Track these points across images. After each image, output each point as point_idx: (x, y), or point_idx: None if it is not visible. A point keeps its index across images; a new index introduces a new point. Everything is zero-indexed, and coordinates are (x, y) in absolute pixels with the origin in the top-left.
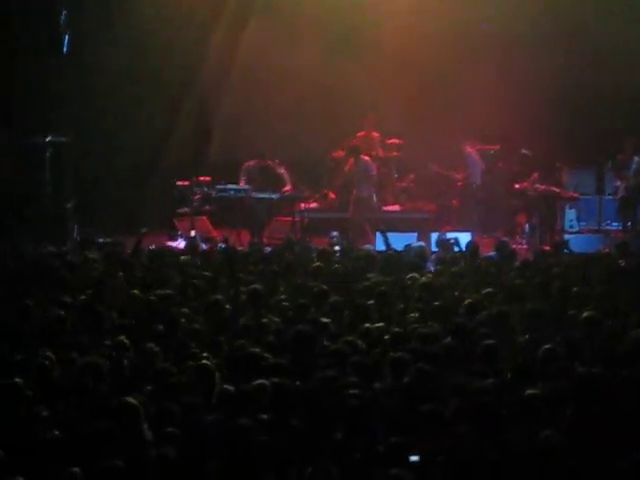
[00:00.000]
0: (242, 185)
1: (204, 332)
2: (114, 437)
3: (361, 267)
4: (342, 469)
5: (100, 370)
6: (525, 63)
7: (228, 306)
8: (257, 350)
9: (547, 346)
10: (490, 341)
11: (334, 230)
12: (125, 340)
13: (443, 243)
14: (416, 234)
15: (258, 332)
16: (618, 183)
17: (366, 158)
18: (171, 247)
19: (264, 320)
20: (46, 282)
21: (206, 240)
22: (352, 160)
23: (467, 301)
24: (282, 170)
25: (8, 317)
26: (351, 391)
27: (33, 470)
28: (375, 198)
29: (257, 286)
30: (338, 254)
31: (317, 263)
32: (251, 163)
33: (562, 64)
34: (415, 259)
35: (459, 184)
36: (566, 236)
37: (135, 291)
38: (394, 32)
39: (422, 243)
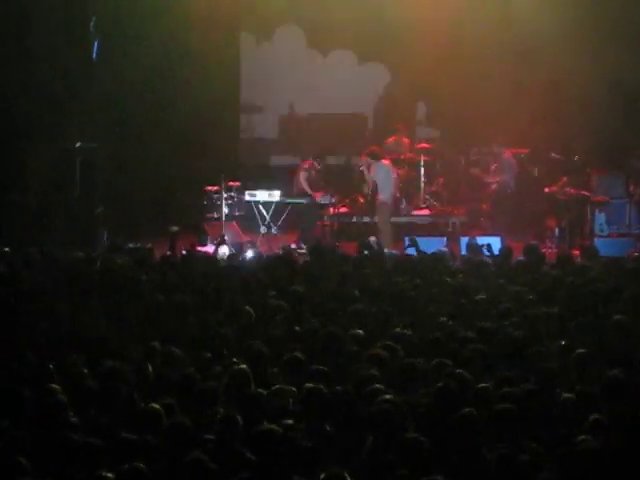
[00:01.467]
0: (303, 186)
1: (232, 338)
2: (147, 445)
3: (388, 272)
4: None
5: (127, 376)
6: (556, 66)
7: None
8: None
9: (580, 350)
10: (521, 344)
11: (371, 235)
12: (154, 345)
13: (473, 247)
14: (445, 238)
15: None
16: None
17: (386, 162)
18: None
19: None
20: (76, 287)
21: (236, 245)
22: (374, 165)
23: (501, 305)
24: (314, 175)
25: (39, 323)
26: (385, 397)
27: (66, 476)
28: (404, 202)
29: (297, 288)
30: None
31: (344, 268)
32: (306, 165)
33: (593, 66)
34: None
35: (493, 188)
36: (596, 240)
37: (161, 296)
38: (427, 37)
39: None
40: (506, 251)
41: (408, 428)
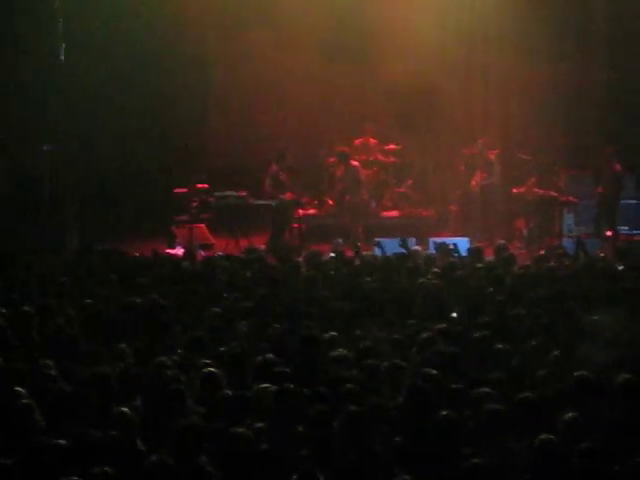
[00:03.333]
0: (268, 190)
1: (206, 340)
2: (111, 446)
3: (358, 273)
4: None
5: (105, 379)
6: (524, 66)
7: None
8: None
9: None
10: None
11: (338, 237)
12: (125, 348)
13: (442, 248)
14: (414, 239)
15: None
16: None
17: (355, 164)
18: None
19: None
20: (46, 290)
21: (204, 247)
22: (342, 167)
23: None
24: (282, 176)
25: (10, 325)
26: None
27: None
28: (374, 203)
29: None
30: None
31: (310, 271)
32: (274, 167)
33: (561, 68)
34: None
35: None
36: (565, 240)
37: (135, 299)
38: (392, 37)
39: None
40: (476, 251)
41: (381, 430)
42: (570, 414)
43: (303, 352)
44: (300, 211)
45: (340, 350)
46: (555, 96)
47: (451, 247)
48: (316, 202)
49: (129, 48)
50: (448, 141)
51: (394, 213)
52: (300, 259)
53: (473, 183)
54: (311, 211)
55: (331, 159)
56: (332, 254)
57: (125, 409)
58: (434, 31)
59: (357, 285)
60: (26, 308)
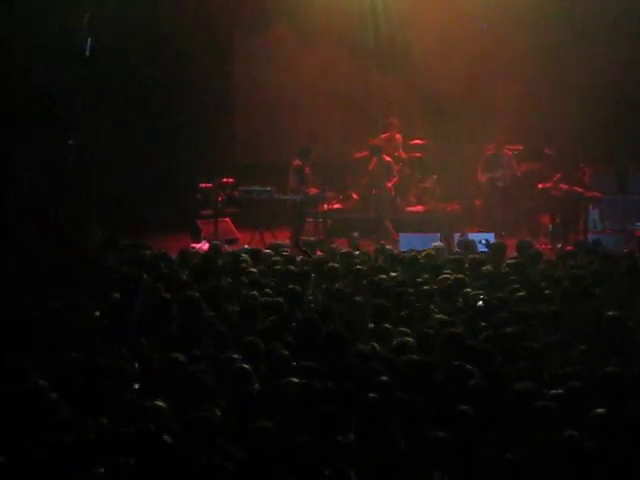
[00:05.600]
0: (293, 184)
1: (231, 335)
2: (139, 440)
3: (381, 267)
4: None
5: (123, 374)
6: (549, 62)
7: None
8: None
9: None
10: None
11: (355, 231)
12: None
13: (465, 244)
14: (439, 235)
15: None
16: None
17: (388, 158)
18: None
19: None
20: (69, 286)
21: (229, 242)
22: (374, 159)
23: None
24: (307, 171)
25: (33, 321)
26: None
27: (56, 473)
28: (399, 199)
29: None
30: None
31: (332, 264)
32: (298, 162)
33: (587, 64)
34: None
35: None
36: (590, 236)
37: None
38: (418, 34)
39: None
40: (498, 247)
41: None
42: (600, 410)
43: (328, 347)
44: (325, 206)
45: (366, 345)
46: (582, 92)
47: (480, 242)
48: (341, 197)
49: (153, 44)
50: (473, 137)
51: (419, 208)
52: (324, 253)
53: (483, 179)
54: (336, 205)
55: (357, 154)
56: (353, 249)
57: (156, 402)
58: (459, 27)
59: (382, 280)
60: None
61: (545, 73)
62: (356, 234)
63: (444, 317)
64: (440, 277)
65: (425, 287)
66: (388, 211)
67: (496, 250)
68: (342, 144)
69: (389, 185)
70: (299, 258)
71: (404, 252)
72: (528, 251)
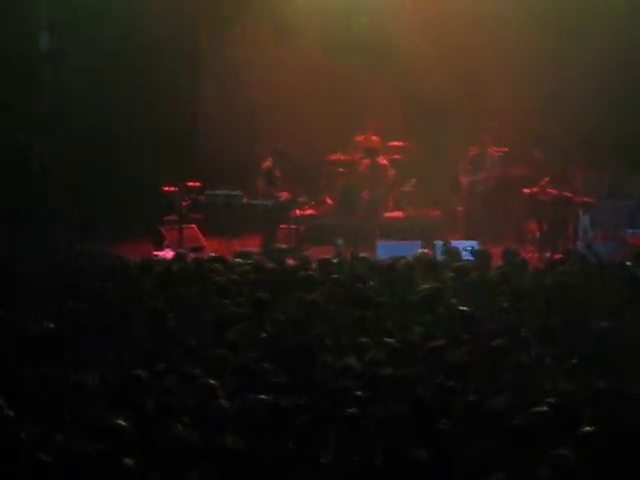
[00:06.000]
0: (262, 188)
1: (199, 346)
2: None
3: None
4: None
5: (82, 390)
6: (538, 63)
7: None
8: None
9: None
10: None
11: (338, 237)
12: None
13: (448, 251)
14: (419, 242)
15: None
16: None
17: (384, 161)
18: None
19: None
20: (37, 293)
21: (195, 249)
22: (367, 162)
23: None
24: (277, 173)
25: None
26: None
27: None
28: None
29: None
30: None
31: (309, 272)
32: (268, 164)
33: (576, 65)
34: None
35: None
36: (579, 243)
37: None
38: (399, 31)
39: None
40: (483, 255)
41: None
42: (588, 427)
43: (300, 361)
44: (297, 211)
45: (341, 359)
46: (572, 92)
47: (459, 250)
48: (314, 202)
49: (118, 40)
50: (456, 139)
51: (397, 214)
52: (296, 262)
53: (464, 182)
54: (309, 211)
55: (332, 156)
56: (336, 256)
57: (116, 421)
58: (444, 24)
59: (359, 290)
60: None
61: (534, 73)
62: (340, 241)
63: (425, 329)
64: (422, 286)
65: (406, 297)
66: (378, 216)
67: (481, 258)
68: (316, 145)
69: (383, 190)
70: (270, 266)
71: (383, 260)
72: (514, 259)
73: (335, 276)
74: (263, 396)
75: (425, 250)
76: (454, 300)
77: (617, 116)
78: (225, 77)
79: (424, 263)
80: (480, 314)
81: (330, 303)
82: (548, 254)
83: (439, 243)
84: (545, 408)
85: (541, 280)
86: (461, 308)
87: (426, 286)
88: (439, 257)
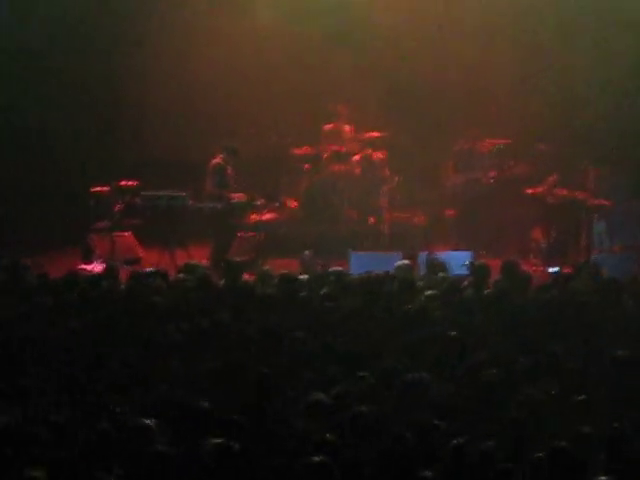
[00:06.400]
0: (211, 189)
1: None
2: None
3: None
4: None
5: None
6: (543, 36)
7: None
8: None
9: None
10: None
11: (305, 248)
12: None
13: (433, 265)
14: (400, 254)
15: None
16: None
17: (380, 155)
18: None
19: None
20: None
21: (130, 262)
22: (357, 157)
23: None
24: (230, 171)
25: None
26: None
27: None
28: (345, 207)
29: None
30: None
31: (269, 291)
32: (218, 160)
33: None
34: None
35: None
36: (595, 255)
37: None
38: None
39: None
40: (481, 269)
41: None
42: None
43: (257, 397)
44: (254, 216)
45: (306, 394)
46: (585, 72)
47: (446, 263)
48: (276, 204)
49: (43, 25)
50: (444, 130)
51: (373, 220)
52: (254, 277)
53: (456, 181)
54: (268, 216)
55: (296, 149)
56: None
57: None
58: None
59: (329, 311)
60: None
61: (537, 49)
62: (308, 252)
63: (405, 358)
64: (403, 307)
65: (383, 319)
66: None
67: (478, 273)
68: (277, 137)
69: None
70: (222, 283)
71: (357, 275)
72: (515, 274)
73: (302, 295)
74: (213, 439)
75: (407, 263)
76: (440, 323)
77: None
78: (169, 61)
79: (405, 279)
80: (471, 340)
81: (295, 328)
82: (556, 268)
83: (424, 255)
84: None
85: (547, 299)
86: (448, 333)
87: (408, 306)
88: (423, 272)
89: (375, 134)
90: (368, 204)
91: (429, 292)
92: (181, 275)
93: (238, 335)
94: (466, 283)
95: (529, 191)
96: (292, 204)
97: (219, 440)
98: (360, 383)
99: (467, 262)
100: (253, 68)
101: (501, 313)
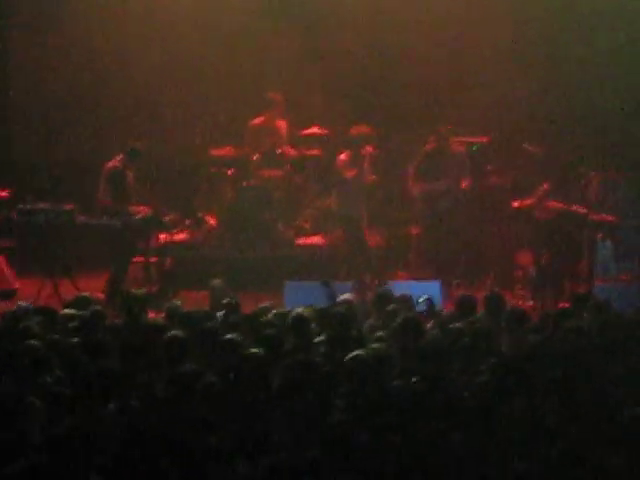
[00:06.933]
0: (105, 201)
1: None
2: None
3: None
4: None
5: None
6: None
7: None
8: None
9: None
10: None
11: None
12: None
13: (386, 297)
14: (349, 284)
15: None
16: None
17: (370, 149)
18: None
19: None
20: None
21: (2, 295)
22: (343, 158)
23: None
24: (131, 180)
25: None
26: None
27: None
28: (280, 225)
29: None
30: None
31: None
32: (115, 164)
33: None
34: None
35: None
36: (598, 285)
37: None
38: None
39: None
40: (466, 303)
41: None
42: None
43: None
44: (162, 236)
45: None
46: (578, 62)
47: (419, 300)
48: (188, 222)
49: None
50: (407, 125)
51: (316, 240)
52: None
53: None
54: (181, 236)
55: (216, 150)
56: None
57: None
58: None
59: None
60: None
61: (527, 31)
62: (217, 281)
63: (348, 419)
64: (350, 354)
65: (324, 369)
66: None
67: (463, 306)
68: (191, 137)
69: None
70: (118, 321)
71: (291, 311)
72: (497, 309)
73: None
74: None
75: (351, 295)
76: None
77: None
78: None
79: (351, 316)
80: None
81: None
82: (549, 301)
83: (381, 285)
84: None
85: (538, 341)
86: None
87: (358, 352)
88: (377, 307)
89: (317, 131)
90: (307, 218)
91: (380, 334)
92: (67, 311)
93: (138, 389)
94: (430, 325)
95: (514, 204)
96: (211, 220)
97: None
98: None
99: (423, 298)
100: (170, 54)
101: (477, 360)
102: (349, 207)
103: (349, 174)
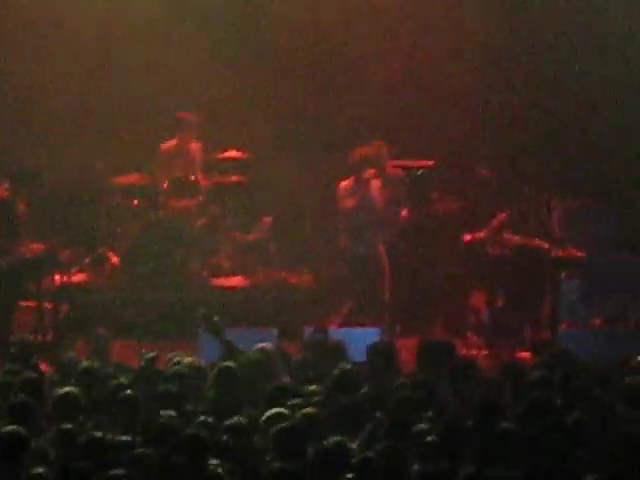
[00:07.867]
0: None
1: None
2: None
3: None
4: None
5: None
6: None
7: None
8: None
9: None
10: None
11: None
12: None
13: (316, 345)
14: (274, 331)
15: None
16: None
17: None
18: None
19: None
20: None
21: None
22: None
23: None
24: (22, 210)
25: None
26: None
27: None
28: (194, 264)
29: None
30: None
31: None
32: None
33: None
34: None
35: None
36: (563, 331)
37: None
38: None
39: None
40: (382, 352)
41: None
42: None
43: None
44: (58, 277)
45: None
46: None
47: (339, 345)
48: (88, 260)
49: None
50: (338, 147)
51: (237, 281)
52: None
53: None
54: (80, 277)
55: (120, 178)
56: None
57: None
58: None
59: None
60: None
61: (482, 34)
62: (102, 330)
63: None
64: (271, 412)
65: (243, 436)
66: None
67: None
68: (92, 162)
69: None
70: (4, 379)
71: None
72: (441, 360)
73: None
74: None
75: (271, 344)
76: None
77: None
78: None
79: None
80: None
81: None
82: (505, 350)
83: (309, 331)
84: None
85: (491, 398)
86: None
87: (278, 410)
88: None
89: (236, 154)
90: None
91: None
92: None
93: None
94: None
95: (466, 237)
96: (114, 258)
97: None
98: None
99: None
100: (70, 66)
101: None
102: (360, 244)
103: (349, 204)
